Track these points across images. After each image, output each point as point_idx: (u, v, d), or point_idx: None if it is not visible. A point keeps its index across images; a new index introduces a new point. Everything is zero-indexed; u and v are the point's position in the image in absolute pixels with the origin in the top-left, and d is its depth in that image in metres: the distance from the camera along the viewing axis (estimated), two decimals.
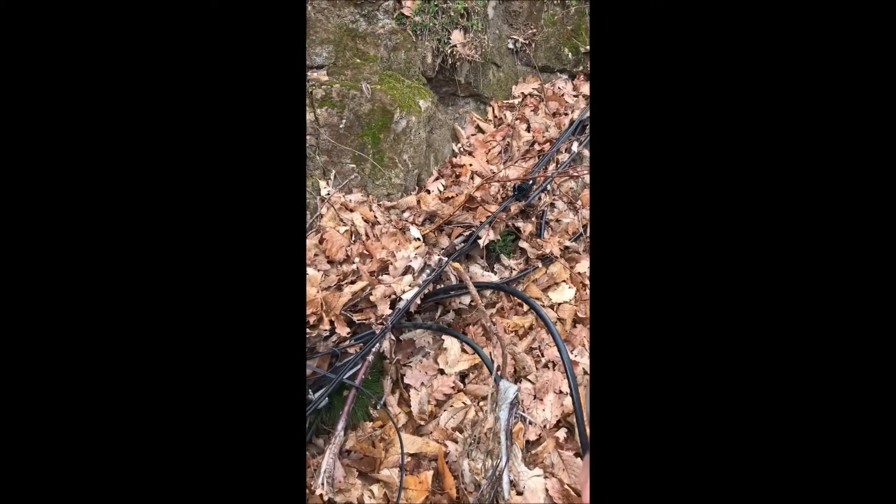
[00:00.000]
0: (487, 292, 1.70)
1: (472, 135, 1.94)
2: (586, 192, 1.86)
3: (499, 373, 1.09)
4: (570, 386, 1.18)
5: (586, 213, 2.03)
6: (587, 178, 2.18)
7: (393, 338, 1.19)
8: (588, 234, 1.97)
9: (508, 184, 1.78)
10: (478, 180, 1.75)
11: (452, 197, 1.63)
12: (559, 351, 1.21)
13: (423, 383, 1.43)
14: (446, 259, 1.32)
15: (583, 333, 1.70)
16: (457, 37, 1.67)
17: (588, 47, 2.10)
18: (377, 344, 1.16)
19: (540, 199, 1.93)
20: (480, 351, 1.23)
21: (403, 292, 1.22)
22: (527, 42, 2.01)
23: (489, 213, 1.58)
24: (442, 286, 1.42)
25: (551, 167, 1.95)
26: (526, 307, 1.75)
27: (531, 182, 1.71)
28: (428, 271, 1.32)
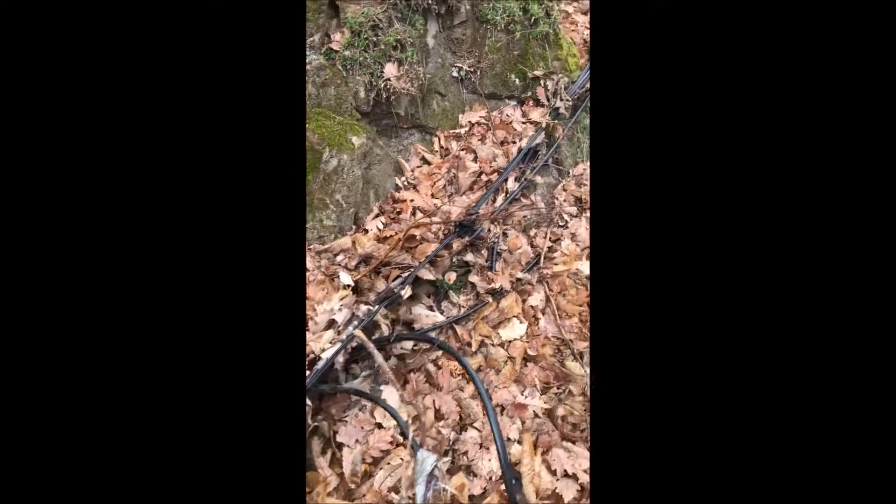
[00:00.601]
0: (432, 334, 1.62)
1: (418, 167, 1.88)
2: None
3: (417, 440, 1.01)
4: (496, 442, 1.10)
5: (537, 241, 1.97)
6: (541, 206, 2.12)
7: (309, 403, 1.11)
8: (541, 264, 1.91)
9: (453, 218, 1.71)
10: (420, 216, 1.69)
11: (391, 236, 1.56)
12: (483, 402, 1.13)
13: (357, 440, 1.34)
14: (375, 308, 1.24)
15: (534, 372, 1.63)
16: (390, 70, 1.62)
17: (535, 73, 2.06)
18: None
19: (490, 230, 1.86)
20: (397, 415, 1.15)
21: (323, 350, 1.14)
22: (471, 70, 1.96)
23: (428, 253, 1.51)
24: (375, 336, 1.34)
25: (500, 198, 1.89)
26: (475, 346, 1.67)
27: (474, 217, 1.64)
28: (355, 323, 1.24)
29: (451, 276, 1.49)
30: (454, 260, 1.67)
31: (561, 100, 2.08)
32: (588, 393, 1.56)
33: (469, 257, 1.81)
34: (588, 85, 2.32)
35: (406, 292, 1.25)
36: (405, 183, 1.81)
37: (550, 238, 2.02)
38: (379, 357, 1.07)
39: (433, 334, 1.62)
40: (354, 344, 1.24)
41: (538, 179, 2.08)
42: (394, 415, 1.14)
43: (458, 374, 1.59)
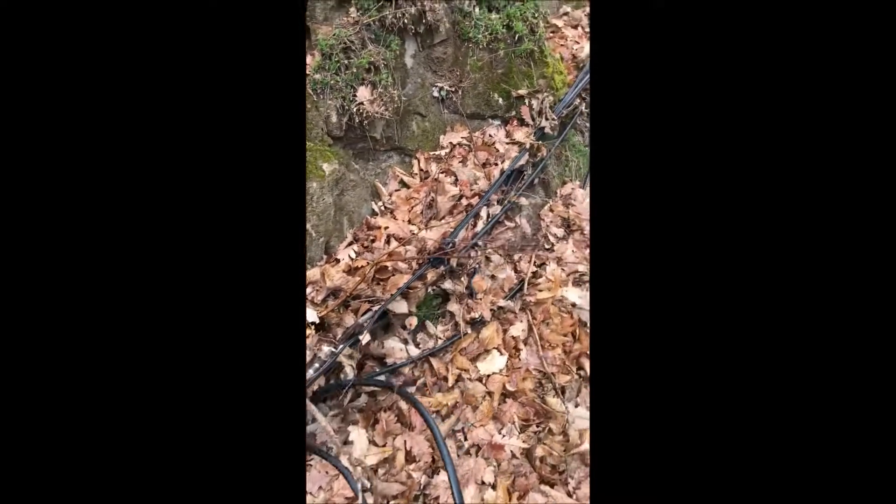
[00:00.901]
0: (405, 369, 1.55)
1: (396, 191, 1.81)
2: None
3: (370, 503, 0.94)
4: (454, 497, 1.03)
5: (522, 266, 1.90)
6: (526, 228, 2.05)
7: None
8: (524, 291, 1.84)
9: (430, 246, 1.64)
10: (394, 244, 1.62)
11: (363, 266, 1.49)
12: (440, 453, 1.07)
13: (321, 487, 1.27)
14: (337, 350, 1.17)
15: (513, 409, 1.56)
16: (363, 93, 1.55)
17: (519, 91, 2.00)
18: None
19: (470, 255, 1.80)
20: (348, 475, 1.08)
21: None
22: (453, 89, 1.90)
23: (400, 285, 1.44)
24: (337, 380, 1.28)
25: (481, 223, 1.83)
26: (451, 381, 1.60)
27: (450, 246, 1.57)
28: (317, 365, 1.17)
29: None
30: (430, 290, 1.61)
31: (546, 119, 2.02)
32: (568, 432, 1.49)
33: (448, 285, 1.74)
34: (576, 102, 2.25)
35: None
36: (382, 208, 1.74)
37: (535, 262, 1.94)
38: (322, 419, 1.00)
39: (406, 369, 1.55)
40: (316, 388, 1.18)
41: (523, 201, 2.01)
42: (345, 474, 1.07)
43: (433, 412, 1.52)
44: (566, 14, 2.67)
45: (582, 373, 1.67)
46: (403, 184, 1.83)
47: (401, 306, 1.44)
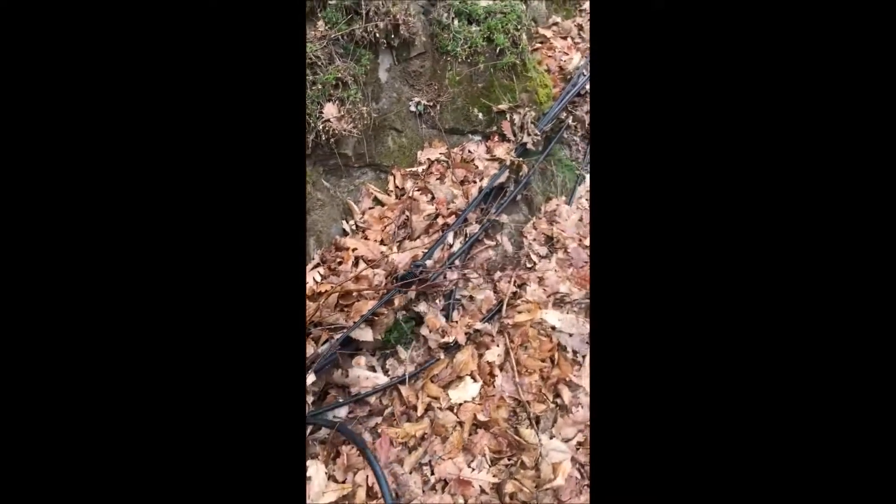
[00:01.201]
0: (372, 398, 1.48)
1: (370, 209, 1.75)
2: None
3: None
4: None
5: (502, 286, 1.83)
6: (508, 246, 1.99)
7: None
8: (503, 313, 1.77)
9: (400, 269, 1.58)
10: (363, 266, 1.56)
11: (327, 291, 1.43)
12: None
13: None
14: None
15: (484, 440, 1.49)
16: (330, 110, 1.50)
17: (500, 106, 1.93)
18: None
19: (445, 276, 1.73)
20: None
21: None
22: (431, 104, 1.84)
23: (364, 312, 1.38)
24: None
25: (457, 243, 1.76)
26: (421, 410, 1.53)
27: (421, 270, 1.51)
28: None
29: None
30: (398, 315, 1.54)
31: (528, 134, 1.95)
32: (541, 466, 1.42)
33: (422, 307, 1.68)
34: (562, 115, 2.19)
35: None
36: (353, 227, 1.68)
37: (515, 282, 1.88)
38: None
39: (373, 399, 1.48)
40: None
41: (504, 218, 1.95)
42: None
43: (399, 444, 1.45)
44: (556, 24, 2.60)
45: (559, 401, 1.60)
46: (378, 201, 1.77)
47: (365, 334, 1.38)
